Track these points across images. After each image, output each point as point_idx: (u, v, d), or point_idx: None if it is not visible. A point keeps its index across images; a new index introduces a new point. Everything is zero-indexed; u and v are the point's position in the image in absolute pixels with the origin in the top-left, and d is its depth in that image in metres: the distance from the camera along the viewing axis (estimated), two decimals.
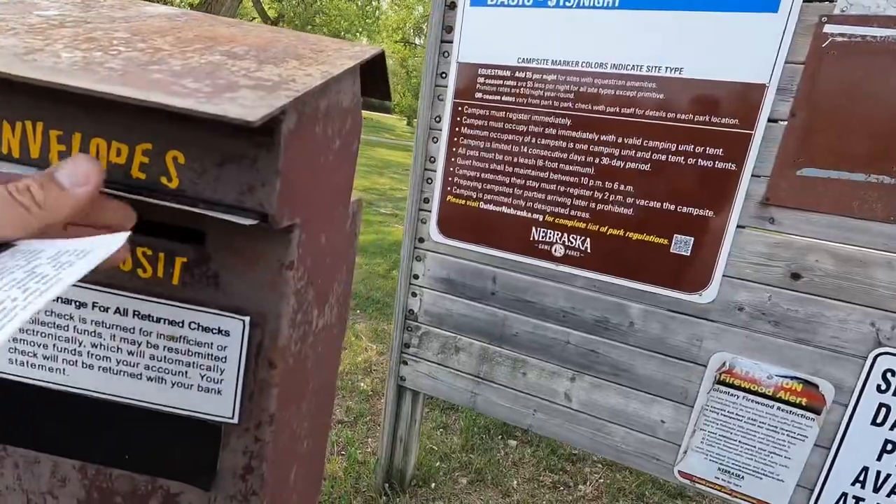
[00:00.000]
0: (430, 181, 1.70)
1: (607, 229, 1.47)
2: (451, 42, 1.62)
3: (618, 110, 1.41)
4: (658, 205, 1.39)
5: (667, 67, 1.33)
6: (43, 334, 0.38)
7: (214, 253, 0.36)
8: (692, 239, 1.35)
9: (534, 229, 1.57)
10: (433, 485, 1.99)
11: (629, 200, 1.42)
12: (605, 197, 1.45)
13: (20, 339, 0.38)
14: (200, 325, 0.37)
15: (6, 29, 0.30)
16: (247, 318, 0.36)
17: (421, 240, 1.73)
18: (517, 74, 1.54)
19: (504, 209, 1.61)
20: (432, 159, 1.69)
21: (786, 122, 1.21)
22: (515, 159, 1.57)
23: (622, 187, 1.43)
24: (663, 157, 1.36)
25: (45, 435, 0.39)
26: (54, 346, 0.38)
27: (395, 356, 1.84)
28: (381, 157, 12.92)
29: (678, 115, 1.33)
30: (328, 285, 0.47)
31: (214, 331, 0.37)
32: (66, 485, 0.40)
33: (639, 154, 1.39)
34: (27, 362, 0.38)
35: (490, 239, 1.63)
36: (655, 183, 1.38)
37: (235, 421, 0.38)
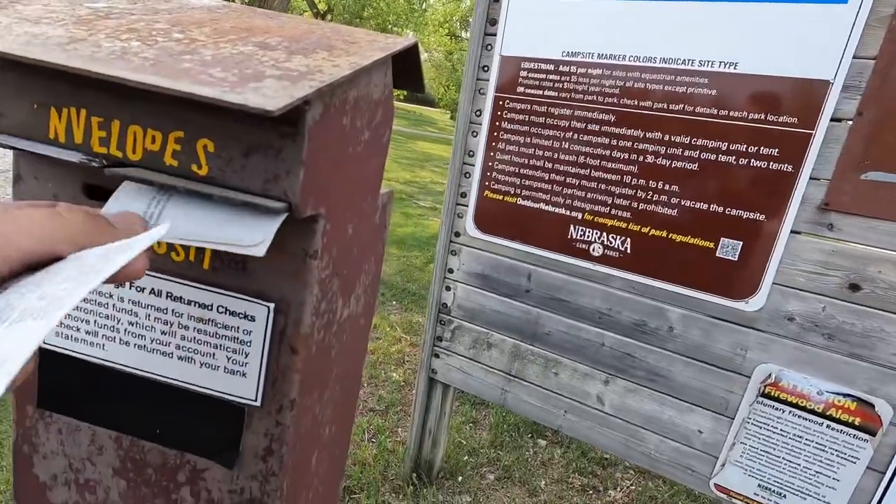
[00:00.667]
0: (468, 176, 1.69)
1: (649, 230, 1.41)
2: (495, 35, 1.60)
3: (665, 107, 1.35)
4: (705, 206, 1.32)
5: (721, 62, 1.26)
6: (86, 311, 0.40)
7: None
8: (741, 243, 1.28)
9: (572, 227, 1.54)
10: (460, 478, 2.00)
11: (674, 201, 1.36)
12: (649, 196, 1.40)
13: (66, 314, 0.40)
14: (228, 309, 0.38)
15: (56, 20, 0.32)
16: (271, 305, 0.37)
17: (457, 234, 1.73)
18: (561, 68, 1.50)
19: (542, 206, 1.58)
20: (471, 153, 1.68)
21: (851, 122, 1.13)
22: (555, 155, 1.53)
23: (667, 187, 1.37)
24: (713, 157, 1.30)
25: (85, 405, 0.42)
26: (95, 322, 0.40)
27: (427, 349, 1.85)
28: (423, 151, 12.98)
29: (731, 113, 1.26)
30: (355, 276, 0.47)
31: (241, 315, 0.38)
32: (102, 453, 0.42)
33: (686, 153, 1.33)
34: (71, 336, 0.41)
35: (526, 235, 1.61)
36: (703, 183, 1.32)
37: (258, 404, 0.39)
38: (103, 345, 0.40)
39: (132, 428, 0.41)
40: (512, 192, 1.63)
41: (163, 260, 0.38)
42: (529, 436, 2.30)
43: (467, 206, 1.70)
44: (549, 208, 1.57)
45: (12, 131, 0.33)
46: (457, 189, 1.71)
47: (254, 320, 0.38)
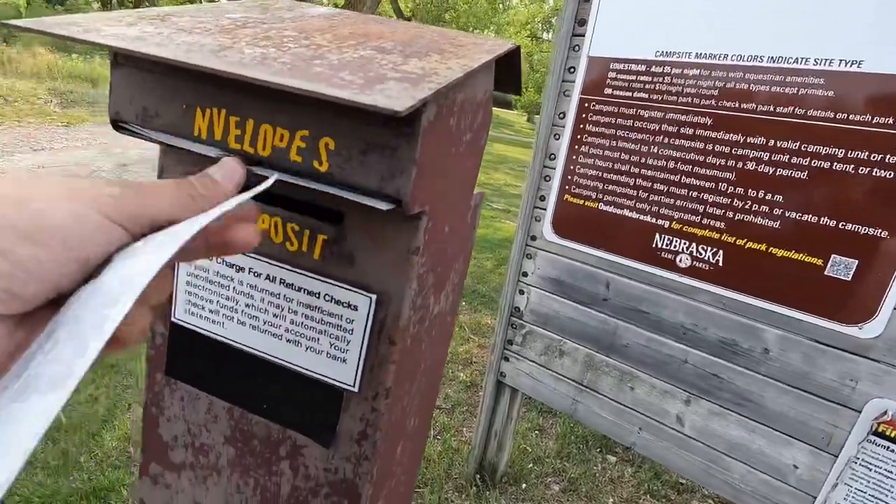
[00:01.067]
0: (547, 179, 1.66)
1: (746, 242, 1.31)
2: (583, 35, 1.57)
3: (772, 109, 1.25)
4: (814, 219, 1.20)
5: (842, 60, 1.14)
6: (210, 290, 0.44)
7: (350, 233, 0.39)
8: (856, 262, 1.15)
9: (657, 236, 1.46)
10: (524, 486, 1.97)
11: (777, 212, 1.25)
12: (747, 206, 1.30)
13: (194, 294, 0.45)
14: (334, 297, 0.41)
15: (205, 29, 0.35)
16: (373, 296, 0.39)
17: (533, 238, 1.71)
18: (653, 69, 1.44)
19: (626, 212, 1.52)
20: (552, 156, 1.65)
21: None
22: (643, 160, 1.47)
23: (769, 196, 1.26)
24: (826, 165, 1.18)
25: (204, 376, 0.46)
26: (217, 301, 0.44)
27: (497, 352, 1.85)
28: (498, 153, 12.94)
29: (851, 117, 1.13)
30: (446, 274, 0.48)
31: (345, 304, 0.40)
32: (217, 422, 0.47)
33: (794, 160, 1.22)
34: (197, 313, 0.45)
35: (607, 242, 1.56)
36: (813, 194, 1.20)
37: (356, 389, 0.41)
38: (223, 323, 0.45)
39: (242, 401, 0.45)
40: (593, 196, 1.58)
41: (278, 249, 0.42)
42: (598, 450, 2.22)
43: (545, 209, 1.67)
44: (633, 215, 1.50)
45: (165, 129, 0.37)
46: (535, 192, 1.69)
47: (356, 310, 0.40)
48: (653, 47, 1.43)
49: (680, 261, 1.43)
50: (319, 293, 0.41)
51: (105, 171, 4.79)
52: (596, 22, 1.54)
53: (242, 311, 0.43)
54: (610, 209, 1.54)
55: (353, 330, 0.40)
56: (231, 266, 0.43)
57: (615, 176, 1.53)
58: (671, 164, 1.42)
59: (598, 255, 1.58)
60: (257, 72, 0.28)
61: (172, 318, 0.46)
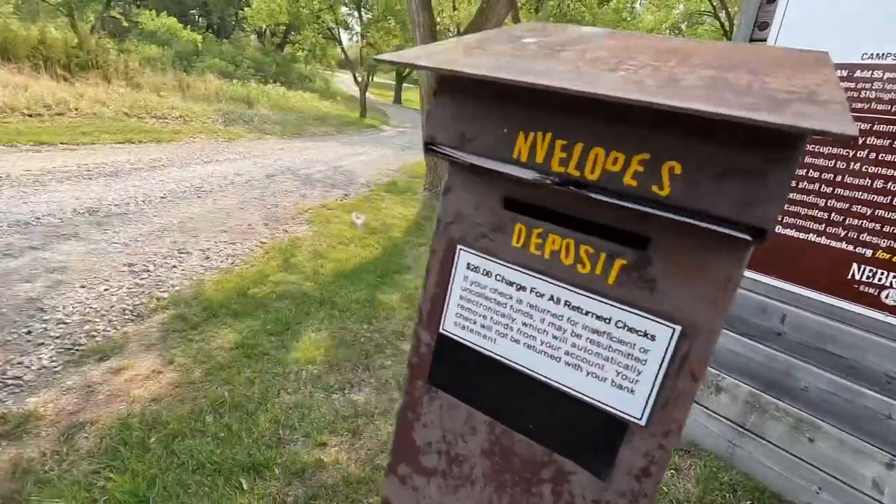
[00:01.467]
0: None
1: None
2: (764, 41, 1.43)
3: None
4: None
5: None
6: (485, 307, 0.46)
7: (656, 259, 0.37)
8: None
9: (855, 266, 1.27)
10: None
11: None
12: None
13: (466, 308, 0.47)
14: (627, 324, 0.39)
15: (530, 56, 0.36)
16: (678, 328, 0.37)
17: None
18: (857, 74, 1.26)
19: (812, 237, 1.34)
20: None
21: None
22: (838, 178, 1.29)
23: None
24: None
25: (468, 389, 0.47)
26: (491, 318, 0.45)
27: None
28: None
29: None
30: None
31: (640, 333, 0.39)
32: (475, 434, 0.47)
33: None
34: (467, 327, 0.47)
35: (785, 270, 1.39)
36: None
37: (643, 423, 0.39)
38: (495, 339, 0.45)
39: (507, 417, 0.46)
40: None
41: (567, 270, 0.41)
42: (749, 502, 1.97)
43: None
44: (823, 241, 1.32)
45: (479, 152, 0.39)
46: None
47: (653, 339, 0.38)
48: (858, 49, 1.26)
49: (887, 297, 1.23)
50: (610, 319, 0.40)
51: (257, 179, 5.44)
52: (781, 24, 1.40)
53: (518, 330, 0.44)
54: (790, 233, 1.38)
55: (646, 360, 0.38)
56: (511, 284, 0.44)
57: (799, 196, 1.36)
58: (878, 184, 1.23)
59: (770, 283, 1.42)
60: (659, 97, 0.27)
61: (440, 330, 0.48)
